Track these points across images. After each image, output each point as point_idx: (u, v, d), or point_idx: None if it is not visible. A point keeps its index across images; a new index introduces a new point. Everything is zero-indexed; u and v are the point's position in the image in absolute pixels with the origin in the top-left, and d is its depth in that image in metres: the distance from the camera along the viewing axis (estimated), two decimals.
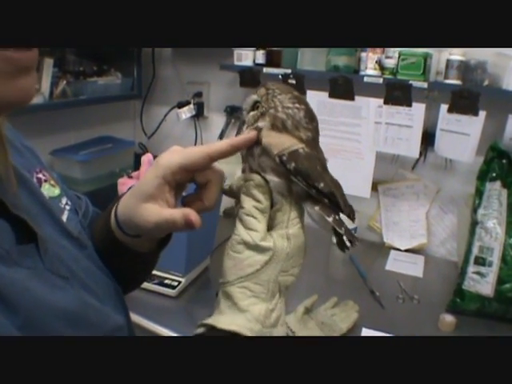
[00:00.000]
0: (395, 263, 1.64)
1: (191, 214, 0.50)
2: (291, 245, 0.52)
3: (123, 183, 1.45)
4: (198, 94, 2.01)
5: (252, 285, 0.51)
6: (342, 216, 0.54)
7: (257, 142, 0.54)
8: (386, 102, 1.57)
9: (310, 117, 0.55)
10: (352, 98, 1.62)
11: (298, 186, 0.53)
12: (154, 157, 1.86)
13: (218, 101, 2.01)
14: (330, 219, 0.52)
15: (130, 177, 1.49)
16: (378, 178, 1.74)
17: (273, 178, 0.53)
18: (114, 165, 1.83)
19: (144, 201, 0.52)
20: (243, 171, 0.56)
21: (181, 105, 1.97)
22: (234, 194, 0.56)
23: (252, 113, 0.57)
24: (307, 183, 0.52)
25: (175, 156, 0.51)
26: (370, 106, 1.61)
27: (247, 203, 0.53)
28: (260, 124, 0.55)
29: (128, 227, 0.57)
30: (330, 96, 1.65)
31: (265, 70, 1.69)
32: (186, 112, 1.97)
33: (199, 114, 2.02)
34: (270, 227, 0.53)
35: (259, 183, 0.53)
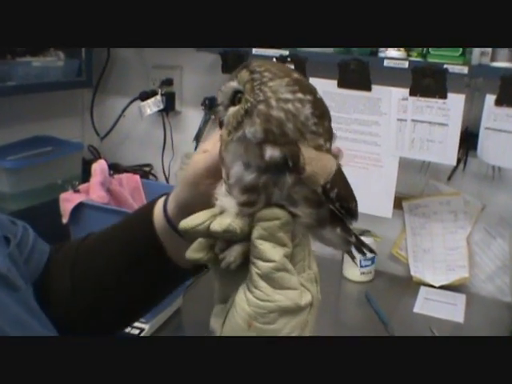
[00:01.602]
0: (426, 304, 1.63)
1: None
2: (319, 288, 0.52)
3: (67, 199, 1.42)
4: (168, 82, 2.00)
5: None
6: None
7: (288, 167, 0.49)
8: (412, 93, 1.56)
9: (321, 112, 0.50)
10: (368, 88, 1.62)
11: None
12: (110, 165, 1.84)
13: (194, 91, 2.00)
14: (353, 239, 0.55)
15: (76, 191, 1.47)
16: (402, 192, 1.73)
17: (305, 210, 0.51)
18: (55, 174, 1.81)
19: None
20: (247, 204, 0.51)
21: (144, 96, 1.96)
22: (236, 237, 0.51)
23: (232, 109, 0.52)
24: (342, 206, 0.52)
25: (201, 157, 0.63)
26: (392, 98, 1.60)
27: (276, 253, 0.49)
28: (248, 131, 0.49)
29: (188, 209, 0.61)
30: (340, 85, 1.64)
31: (254, 50, 1.69)
32: (152, 105, 1.96)
33: (169, 107, 2.01)
34: None
35: (287, 221, 0.50)
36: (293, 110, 0.48)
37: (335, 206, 0.51)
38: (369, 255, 1.72)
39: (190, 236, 0.53)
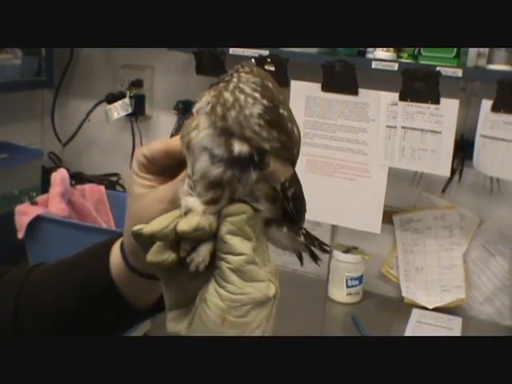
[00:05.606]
0: (419, 328, 1.63)
1: None
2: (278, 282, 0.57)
3: (24, 212, 1.42)
4: (137, 84, 2.01)
5: None
6: None
7: (253, 163, 0.54)
8: (402, 98, 1.58)
9: (273, 121, 0.54)
10: (355, 92, 1.63)
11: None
12: (72, 174, 1.83)
13: (166, 93, 2.01)
14: (302, 238, 0.60)
15: (33, 203, 1.46)
16: (393, 206, 1.75)
17: (266, 205, 0.57)
18: (11, 184, 1.79)
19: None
20: (212, 202, 0.55)
21: (111, 98, 1.97)
22: (205, 235, 0.55)
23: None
24: (294, 207, 0.59)
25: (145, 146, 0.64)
26: (381, 102, 1.62)
27: (245, 247, 0.55)
28: (199, 105, 0.55)
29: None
30: (324, 89, 1.65)
31: (231, 50, 1.70)
32: (119, 109, 1.97)
33: (138, 111, 2.01)
34: None
35: (252, 215, 0.56)
36: (242, 101, 0.53)
37: (289, 204, 0.58)
38: (357, 274, 1.75)
39: (143, 241, 0.57)
